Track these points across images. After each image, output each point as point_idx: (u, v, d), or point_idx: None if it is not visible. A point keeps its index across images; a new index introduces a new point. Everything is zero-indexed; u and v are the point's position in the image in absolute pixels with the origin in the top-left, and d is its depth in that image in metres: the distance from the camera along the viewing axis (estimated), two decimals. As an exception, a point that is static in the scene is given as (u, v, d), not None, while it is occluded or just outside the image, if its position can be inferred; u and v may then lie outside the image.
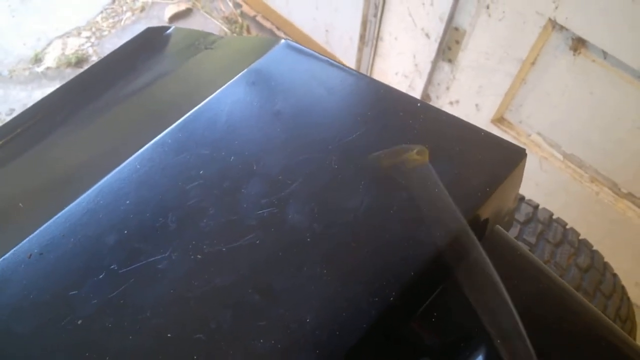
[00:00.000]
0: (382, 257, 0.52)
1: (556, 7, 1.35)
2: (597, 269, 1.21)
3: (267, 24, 2.83)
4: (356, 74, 0.69)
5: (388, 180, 0.57)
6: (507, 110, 1.76)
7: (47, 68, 2.76)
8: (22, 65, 2.78)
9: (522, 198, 1.28)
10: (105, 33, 2.93)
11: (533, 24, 1.44)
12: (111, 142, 0.75)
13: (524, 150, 0.59)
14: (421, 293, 0.55)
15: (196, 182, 0.59)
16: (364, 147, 0.60)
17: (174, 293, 0.51)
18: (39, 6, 3.03)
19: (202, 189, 0.58)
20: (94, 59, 2.81)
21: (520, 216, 1.23)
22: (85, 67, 2.74)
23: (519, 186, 0.67)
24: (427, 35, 1.81)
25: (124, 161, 0.62)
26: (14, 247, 0.56)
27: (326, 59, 0.71)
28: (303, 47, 0.73)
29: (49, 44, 2.86)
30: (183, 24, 2.96)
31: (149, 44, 1.00)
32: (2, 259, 0.55)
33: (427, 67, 1.90)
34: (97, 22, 2.99)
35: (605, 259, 1.29)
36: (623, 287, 1.29)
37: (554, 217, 1.28)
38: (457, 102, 1.91)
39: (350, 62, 2.29)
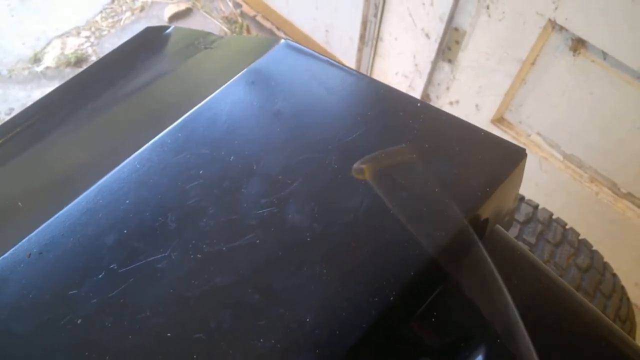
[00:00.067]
0: (382, 257, 0.52)
1: (556, 8, 1.35)
2: (596, 269, 1.21)
3: (267, 24, 2.83)
4: (356, 74, 0.69)
5: (388, 179, 0.57)
6: (507, 111, 1.76)
7: (47, 68, 2.76)
8: (21, 65, 2.78)
9: (522, 198, 1.28)
10: (105, 33, 2.93)
11: (533, 25, 1.44)
12: (110, 142, 0.75)
13: (524, 150, 0.59)
14: (421, 293, 0.55)
15: (196, 182, 0.59)
16: (364, 147, 0.60)
17: (173, 292, 0.51)
18: (39, 6, 3.03)
19: (201, 188, 0.58)
20: (94, 58, 2.81)
21: (520, 216, 1.23)
22: (85, 66, 2.74)
23: (519, 186, 0.67)
24: (427, 36, 1.81)
25: (123, 161, 0.62)
26: (14, 246, 0.56)
27: (326, 58, 0.71)
28: (303, 47, 0.73)
29: (48, 44, 2.86)
30: (183, 24, 2.96)
31: (149, 43, 1.00)
32: (1, 258, 0.55)
33: (427, 67, 1.90)
34: (96, 21, 2.98)
35: (605, 259, 1.29)
36: (623, 287, 1.29)
37: (554, 217, 1.28)
38: (457, 102, 1.91)
39: (350, 62, 2.29)
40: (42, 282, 0.53)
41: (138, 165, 0.61)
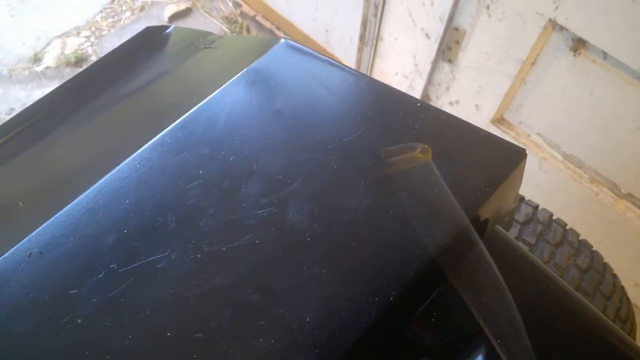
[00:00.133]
0: (382, 257, 0.52)
1: (556, 8, 1.35)
2: (596, 270, 1.21)
3: (267, 24, 2.83)
4: (356, 74, 0.69)
5: (388, 180, 0.57)
6: (507, 111, 1.76)
7: (47, 67, 2.76)
8: (21, 65, 2.78)
9: (522, 198, 1.28)
10: (105, 32, 2.93)
11: (533, 25, 1.44)
12: (110, 142, 0.75)
13: (524, 150, 0.59)
14: (421, 293, 0.55)
15: (196, 182, 0.59)
16: (364, 147, 0.60)
17: (173, 292, 0.51)
18: (39, 5, 3.03)
19: (201, 188, 0.58)
20: (94, 58, 2.81)
21: (520, 216, 1.23)
22: (85, 66, 2.74)
23: (519, 186, 0.67)
24: (427, 36, 1.81)
25: (123, 161, 0.62)
26: (14, 246, 0.56)
27: (326, 58, 0.71)
28: (303, 47, 0.73)
29: (48, 44, 2.86)
30: (183, 24, 2.96)
31: (149, 43, 1.00)
32: (2, 257, 0.55)
33: (427, 67, 1.90)
34: (96, 21, 2.99)
35: (605, 260, 1.29)
36: (623, 288, 1.29)
37: (554, 217, 1.28)
38: (457, 102, 1.91)
39: (350, 62, 2.29)
40: (42, 282, 0.53)
41: (138, 165, 0.61)
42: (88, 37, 2.90)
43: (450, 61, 1.82)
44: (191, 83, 0.81)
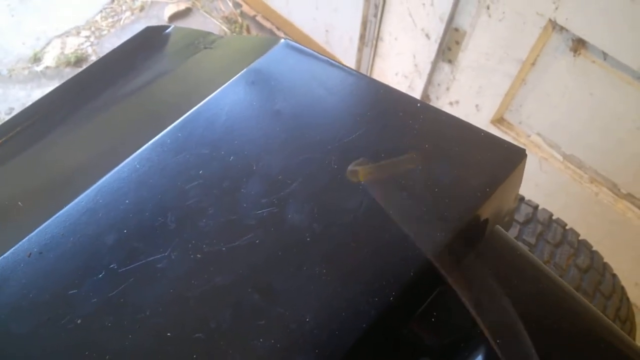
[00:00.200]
0: (381, 257, 0.52)
1: (556, 8, 1.35)
2: (596, 270, 1.21)
3: (267, 24, 2.83)
4: (356, 74, 0.69)
5: (388, 180, 0.57)
6: (507, 111, 1.76)
7: (47, 67, 2.76)
8: (21, 65, 2.78)
9: (521, 198, 1.28)
10: (105, 32, 2.93)
11: (533, 25, 1.44)
12: (110, 142, 0.75)
13: (524, 150, 0.59)
14: (421, 293, 0.55)
15: (195, 182, 0.59)
16: (364, 147, 0.60)
17: (173, 292, 0.51)
18: (39, 5, 3.03)
19: (201, 188, 0.58)
20: (93, 58, 2.81)
21: (520, 216, 1.23)
22: (85, 66, 2.74)
23: (519, 186, 0.67)
24: (427, 36, 1.81)
25: (123, 161, 0.62)
26: (14, 246, 0.56)
27: (326, 58, 0.71)
28: (303, 47, 0.73)
29: (48, 43, 2.86)
30: (182, 24, 2.96)
31: (148, 43, 1.00)
32: (1, 257, 0.55)
33: (427, 68, 1.90)
34: (96, 21, 2.98)
35: (605, 260, 1.29)
36: (622, 288, 1.29)
37: (554, 217, 1.28)
38: (457, 102, 1.91)
39: (350, 62, 2.29)
40: (42, 282, 0.53)
41: (138, 165, 0.61)
42: (88, 37, 2.90)
43: (450, 61, 1.82)
44: (191, 83, 0.81)
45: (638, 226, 1.57)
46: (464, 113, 1.88)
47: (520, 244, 0.65)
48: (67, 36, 2.90)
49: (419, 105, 0.65)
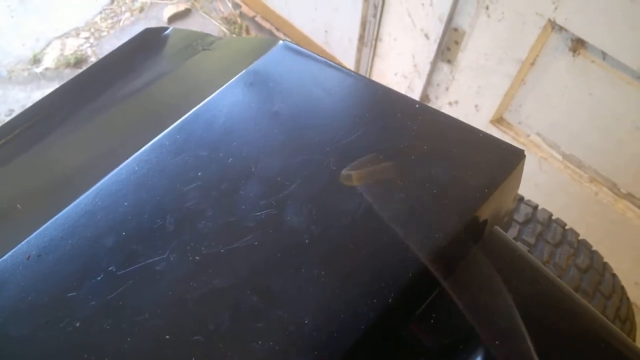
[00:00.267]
0: (380, 258, 0.52)
1: (556, 8, 1.35)
2: (596, 270, 1.21)
3: (267, 25, 2.83)
4: (354, 75, 0.69)
5: (386, 181, 0.57)
6: (506, 111, 1.76)
7: (46, 69, 2.76)
8: (21, 66, 2.78)
9: (521, 198, 1.28)
10: (104, 34, 2.93)
11: (532, 25, 1.44)
12: (109, 144, 0.75)
13: (523, 151, 0.59)
14: (419, 294, 0.55)
15: (194, 184, 0.59)
16: (362, 148, 0.60)
17: (172, 295, 0.51)
18: (38, 7, 3.03)
19: (200, 190, 0.58)
20: (93, 59, 2.81)
21: (520, 216, 1.23)
22: (84, 67, 2.75)
23: (518, 187, 0.67)
24: (427, 36, 1.81)
25: (122, 163, 0.62)
26: (12, 248, 0.56)
27: (324, 60, 0.71)
28: (301, 48, 0.73)
29: (47, 45, 2.86)
30: (182, 25, 2.96)
31: (147, 44, 1.00)
32: (0, 260, 0.55)
33: (426, 68, 1.90)
34: (95, 22, 2.99)
35: (605, 260, 1.29)
36: (622, 288, 1.29)
37: (553, 217, 1.28)
38: (457, 102, 1.91)
39: (350, 62, 2.29)
40: (40, 285, 0.53)
41: (136, 167, 0.61)
42: (87, 38, 2.90)
43: (449, 61, 1.82)
44: (189, 85, 0.81)
45: (638, 226, 1.57)
46: (463, 113, 1.88)
47: (519, 244, 0.65)
48: (67, 37, 2.90)
49: (417, 106, 0.65)
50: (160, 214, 0.57)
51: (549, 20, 1.39)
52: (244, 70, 0.71)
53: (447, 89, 1.90)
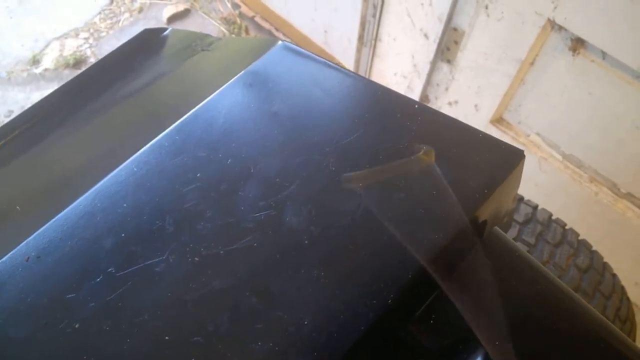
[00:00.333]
0: (379, 259, 0.52)
1: (555, 7, 1.35)
2: (596, 270, 1.21)
3: (266, 25, 2.83)
4: (354, 76, 0.69)
5: (386, 182, 0.57)
6: (506, 111, 1.76)
7: (45, 69, 2.76)
8: (20, 67, 2.78)
9: (521, 198, 1.28)
10: (103, 34, 2.93)
11: (532, 24, 1.44)
12: (108, 145, 0.75)
13: (522, 151, 0.59)
14: (419, 295, 0.55)
15: (193, 185, 0.59)
16: (362, 149, 0.60)
17: (171, 296, 0.51)
18: (37, 7, 3.03)
19: (199, 191, 0.58)
20: (92, 60, 2.81)
21: (520, 216, 1.23)
22: (83, 68, 2.74)
23: (518, 187, 0.67)
24: (426, 36, 1.81)
25: (121, 164, 0.62)
26: (12, 250, 0.56)
27: (324, 60, 0.71)
28: (300, 49, 0.73)
29: (47, 45, 2.86)
30: (181, 25, 2.96)
31: (146, 45, 1.00)
32: None
33: (425, 68, 1.90)
34: (95, 23, 2.99)
35: (605, 259, 1.29)
36: (622, 288, 1.29)
37: (553, 217, 1.28)
38: (456, 102, 1.91)
39: (349, 62, 2.29)
40: (40, 286, 0.53)
41: (135, 169, 0.61)
42: (87, 39, 2.90)
43: (449, 61, 1.82)
44: (188, 85, 0.81)
45: (638, 226, 1.57)
46: (463, 113, 1.88)
47: (519, 245, 0.65)
48: (66, 38, 2.90)
49: (416, 106, 0.64)
50: (159, 215, 0.57)
51: (549, 19, 1.39)
52: (243, 71, 0.70)
53: (446, 89, 1.90)
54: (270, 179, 0.58)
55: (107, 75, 0.96)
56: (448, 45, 1.77)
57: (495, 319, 0.53)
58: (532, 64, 1.55)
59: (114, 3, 3.09)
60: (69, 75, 2.72)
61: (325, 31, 2.36)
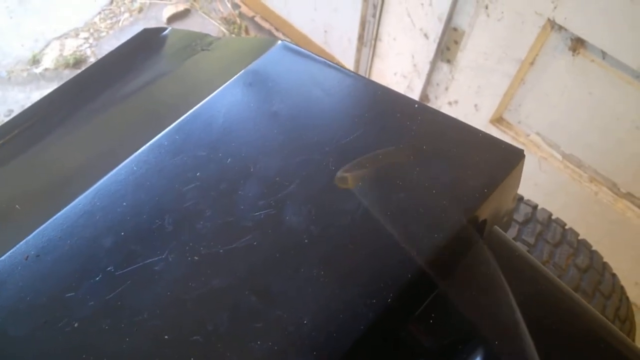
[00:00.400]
0: (379, 259, 0.51)
1: (555, 7, 1.35)
2: (596, 269, 1.21)
3: (266, 25, 2.83)
4: (353, 75, 0.69)
5: (385, 181, 0.57)
6: (506, 111, 1.76)
7: (45, 69, 2.76)
8: (20, 67, 2.78)
9: (521, 198, 1.28)
10: (103, 34, 2.93)
11: (532, 24, 1.44)
12: (108, 144, 0.75)
13: (522, 151, 0.59)
14: (419, 295, 0.55)
15: (193, 184, 0.59)
16: (361, 148, 0.60)
17: (170, 295, 0.51)
18: (37, 7, 3.03)
19: (198, 190, 0.58)
20: (92, 60, 2.81)
21: (519, 216, 1.23)
22: (83, 68, 2.74)
23: (518, 187, 0.67)
24: (426, 36, 1.81)
25: (120, 163, 0.62)
26: (11, 249, 0.56)
27: (323, 60, 0.71)
28: (300, 48, 0.73)
29: (47, 45, 2.86)
30: (181, 25, 2.96)
31: (146, 45, 1.00)
32: None
33: (425, 68, 1.90)
34: (95, 23, 2.99)
35: (604, 259, 1.29)
36: (622, 287, 1.29)
37: (553, 217, 1.28)
38: (456, 102, 1.91)
39: (349, 62, 2.29)
40: (39, 285, 0.53)
41: (135, 168, 0.61)
42: (87, 39, 2.90)
43: (449, 61, 1.82)
44: (188, 85, 0.81)
45: (637, 225, 1.57)
46: (463, 113, 1.88)
47: (518, 244, 0.65)
48: (66, 38, 2.90)
49: (416, 106, 0.64)
50: (159, 214, 0.57)
51: (549, 19, 1.39)
52: (242, 71, 0.70)
53: (446, 88, 1.90)
54: (270, 178, 0.58)
55: (107, 74, 0.96)
56: (448, 45, 1.77)
57: (496, 318, 0.53)
58: (532, 63, 1.55)
59: (114, 3, 3.09)
60: (69, 75, 2.72)
61: (325, 31, 2.36)
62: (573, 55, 1.41)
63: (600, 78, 1.39)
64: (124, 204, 0.58)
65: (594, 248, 1.29)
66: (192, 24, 2.98)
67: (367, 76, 2.03)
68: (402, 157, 0.59)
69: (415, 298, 0.54)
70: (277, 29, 2.79)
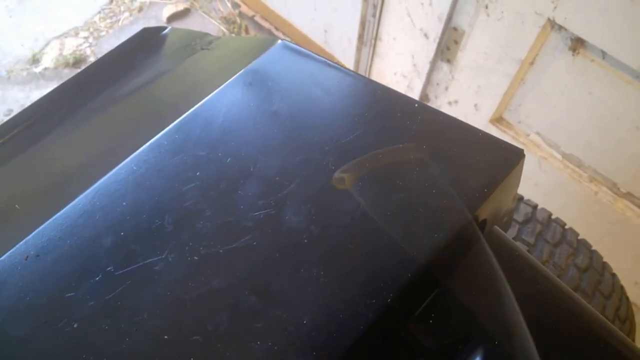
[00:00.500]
0: (379, 258, 0.51)
1: (555, 7, 1.35)
2: (595, 269, 1.21)
3: (266, 24, 2.83)
4: (353, 75, 0.69)
5: (385, 181, 0.57)
6: (506, 110, 1.76)
7: (45, 68, 2.76)
8: (20, 66, 2.77)
9: (520, 198, 1.28)
10: (103, 33, 2.93)
11: (532, 24, 1.44)
12: (108, 144, 0.74)
13: (522, 151, 0.59)
14: (419, 295, 0.55)
15: (193, 184, 0.59)
16: (361, 148, 0.60)
17: (170, 295, 0.51)
18: (37, 6, 3.03)
19: (198, 190, 0.58)
20: (92, 59, 2.81)
21: (519, 216, 1.23)
22: (83, 67, 2.74)
23: (517, 187, 0.67)
24: (426, 35, 1.81)
25: (120, 163, 0.62)
26: (11, 249, 0.56)
27: (323, 59, 0.71)
28: (300, 48, 0.73)
29: (46, 45, 2.86)
30: (181, 24, 2.96)
31: (146, 44, 1.00)
32: None
33: (425, 67, 1.90)
34: (94, 22, 2.98)
35: (604, 259, 1.29)
36: (622, 287, 1.29)
37: (553, 217, 1.28)
38: (456, 102, 1.91)
39: (349, 62, 2.29)
40: (39, 285, 0.53)
41: (135, 167, 0.61)
42: (86, 38, 2.90)
43: (449, 61, 1.82)
44: (188, 84, 0.81)
45: (637, 225, 1.57)
46: (462, 112, 1.88)
47: (518, 244, 0.65)
48: (66, 37, 2.90)
49: (416, 105, 0.64)
50: (158, 214, 0.57)
51: (549, 19, 1.39)
52: (242, 70, 0.70)
53: (446, 88, 1.90)
54: (270, 177, 0.58)
55: (107, 74, 0.96)
56: (448, 45, 1.77)
57: (495, 319, 0.53)
58: (532, 63, 1.54)
59: (114, 2, 3.08)
60: (69, 74, 2.72)
61: (325, 31, 2.36)
62: (573, 55, 1.41)
63: (600, 78, 1.39)
64: (124, 203, 0.58)
65: (593, 248, 1.29)
66: (192, 23, 2.97)
67: (367, 76, 2.03)
68: (401, 157, 0.59)
69: (415, 298, 0.54)
70: (277, 29, 2.79)
